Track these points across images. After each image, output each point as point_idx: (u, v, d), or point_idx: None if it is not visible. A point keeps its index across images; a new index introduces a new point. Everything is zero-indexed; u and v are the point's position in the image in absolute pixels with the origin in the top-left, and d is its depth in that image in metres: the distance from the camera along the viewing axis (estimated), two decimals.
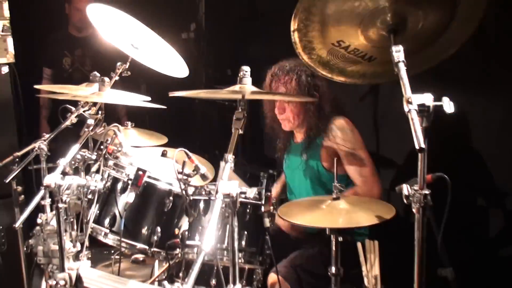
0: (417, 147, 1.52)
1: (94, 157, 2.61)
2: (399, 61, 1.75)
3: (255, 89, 2.12)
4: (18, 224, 2.26)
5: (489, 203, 2.90)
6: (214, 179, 2.62)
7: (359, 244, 2.56)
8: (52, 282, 2.17)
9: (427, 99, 1.61)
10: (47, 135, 2.74)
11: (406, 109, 1.60)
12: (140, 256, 3.10)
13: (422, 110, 1.60)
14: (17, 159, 2.81)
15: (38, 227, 2.41)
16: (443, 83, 2.61)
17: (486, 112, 2.86)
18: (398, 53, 1.77)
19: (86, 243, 2.37)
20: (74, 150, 2.34)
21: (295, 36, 1.95)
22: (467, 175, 2.83)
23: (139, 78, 2.99)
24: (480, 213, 2.90)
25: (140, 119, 3.44)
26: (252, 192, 1.83)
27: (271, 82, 2.97)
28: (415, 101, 1.60)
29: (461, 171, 2.75)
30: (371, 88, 3.67)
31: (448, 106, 1.60)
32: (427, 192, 1.65)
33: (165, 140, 3.37)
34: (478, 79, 2.86)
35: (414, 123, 1.55)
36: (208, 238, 1.72)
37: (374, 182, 2.84)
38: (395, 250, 2.77)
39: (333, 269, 2.33)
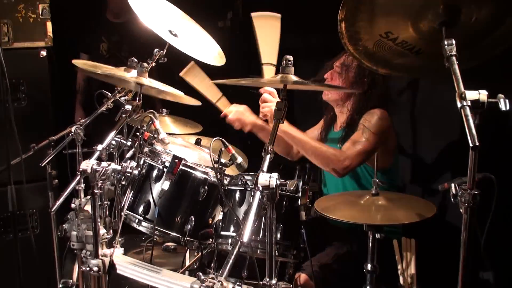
0: (471, 144, 1.46)
1: (129, 143, 2.59)
2: (451, 55, 1.68)
3: (297, 79, 2.07)
4: (54, 208, 2.26)
5: None
6: (248, 170, 2.60)
7: (395, 242, 2.51)
8: (85, 267, 2.17)
9: (482, 95, 1.54)
10: (83, 120, 2.74)
11: (459, 105, 1.53)
12: (171, 244, 3.09)
13: (476, 106, 1.53)
14: (53, 143, 2.81)
15: (72, 212, 2.40)
16: (494, 78, 2.53)
17: None
18: (450, 46, 1.70)
19: (114, 229, 2.36)
20: (111, 136, 2.32)
21: (341, 26, 1.89)
22: None
23: (174, 66, 2.96)
24: None
25: (174, 106, 3.41)
26: (292, 184, 1.79)
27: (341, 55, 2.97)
28: (468, 97, 1.53)
29: (507, 171, 2.67)
30: (409, 82, 3.60)
31: (504, 103, 1.53)
32: (476, 192, 1.58)
33: (199, 128, 3.35)
34: None
35: (467, 120, 1.49)
36: (246, 229, 1.69)
37: (351, 158, 2.71)
38: (428, 249, 2.71)
39: (369, 266, 2.28)
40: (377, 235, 2.24)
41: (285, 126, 2.71)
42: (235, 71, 4.66)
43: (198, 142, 3.11)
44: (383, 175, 2.84)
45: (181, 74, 2.96)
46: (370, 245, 2.27)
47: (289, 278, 2.56)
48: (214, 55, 2.84)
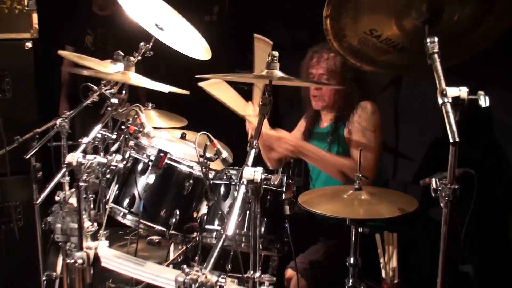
0: (451, 140, 1.49)
1: (114, 136, 2.60)
2: (433, 53, 1.71)
3: (282, 74, 2.09)
4: (39, 201, 2.26)
5: None
6: (232, 164, 2.61)
7: (377, 236, 2.54)
8: (69, 260, 2.18)
9: (462, 92, 1.58)
10: (68, 113, 2.73)
11: (440, 101, 1.56)
12: (156, 238, 3.09)
13: (456, 103, 1.56)
14: (37, 136, 2.81)
15: (56, 205, 2.40)
16: (474, 76, 2.57)
17: None
18: (432, 44, 1.73)
19: (99, 223, 2.36)
20: (97, 129, 2.32)
21: (326, 23, 1.91)
22: (493, 171, 2.79)
23: (159, 59, 2.96)
24: (504, 209, 2.86)
25: (159, 100, 3.41)
26: (276, 178, 1.81)
27: (312, 59, 2.97)
28: (449, 93, 1.56)
29: (487, 167, 2.71)
30: (392, 79, 3.64)
31: (483, 100, 1.56)
32: (456, 186, 1.61)
33: (185, 122, 3.36)
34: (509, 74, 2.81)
35: (448, 116, 1.52)
36: (231, 223, 1.71)
37: (371, 167, 2.76)
38: (410, 243, 2.75)
39: (352, 260, 2.32)
40: (360, 229, 2.28)
41: (309, 146, 2.85)
42: (221, 66, 4.69)
43: (183, 136, 3.12)
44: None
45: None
46: (353, 239, 2.30)
47: (273, 272, 2.58)
48: (200, 49, 2.85)
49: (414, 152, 3.53)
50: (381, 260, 2.49)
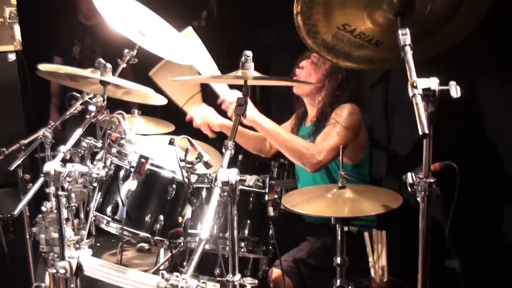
0: (420, 132, 1.46)
1: (99, 145, 2.58)
2: (405, 45, 1.68)
3: (257, 74, 2.07)
4: (17, 211, 2.24)
5: (499, 193, 2.82)
6: None
7: (366, 234, 2.51)
8: (53, 270, 2.15)
9: (433, 83, 1.55)
10: (53, 123, 2.72)
11: (410, 93, 1.53)
12: (146, 245, 3.08)
13: (427, 94, 1.54)
14: (23, 147, 2.80)
15: (40, 215, 2.38)
16: (455, 69, 2.54)
17: (498, 99, 2.78)
18: (404, 36, 1.69)
19: (87, 231, 2.34)
20: (74, 137, 2.30)
21: (298, 20, 1.89)
22: (476, 164, 2.76)
23: (149, 66, 2.95)
24: (490, 203, 2.83)
25: (151, 108, 3.39)
26: (252, 179, 1.78)
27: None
28: (420, 85, 1.53)
29: (470, 159, 2.68)
30: (382, 76, 3.61)
31: (455, 90, 1.53)
32: (432, 180, 1.58)
33: (172, 128, 3.34)
34: (490, 65, 2.78)
35: (418, 108, 1.49)
36: (206, 226, 1.69)
37: (324, 153, 2.67)
38: (402, 241, 2.72)
39: (338, 260, 2.29)
40: (346, 228, 2.25)
41: (258, 118, 2.71)
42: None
43: (171, 142, 3.10)
44: (354, 169, 2.85)
45: (150, 73, 2.96)
46: (339, 238, 2.27)
47: (263, 275, 2.56)
48: (186, 54, 2.82)
49: (407, 148, 3.50)
50: (370, 259, 2.46)
